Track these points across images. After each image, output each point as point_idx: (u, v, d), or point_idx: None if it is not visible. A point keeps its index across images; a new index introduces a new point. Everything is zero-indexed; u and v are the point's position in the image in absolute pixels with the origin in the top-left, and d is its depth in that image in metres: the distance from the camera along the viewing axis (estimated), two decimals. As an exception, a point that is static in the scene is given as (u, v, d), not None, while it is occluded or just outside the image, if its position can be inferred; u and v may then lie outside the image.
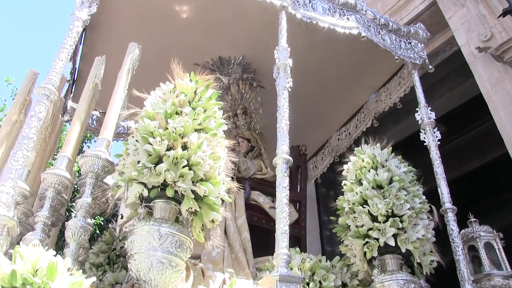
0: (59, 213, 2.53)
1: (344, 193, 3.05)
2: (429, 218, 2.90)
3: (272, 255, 3.14)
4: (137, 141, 2.34)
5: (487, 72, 4.33)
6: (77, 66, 4.11)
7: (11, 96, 8.90)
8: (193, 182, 2.22)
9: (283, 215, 2.57)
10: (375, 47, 3.85)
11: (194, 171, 2.21)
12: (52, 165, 3.34)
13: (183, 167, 2.20)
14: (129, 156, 2.30)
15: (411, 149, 3.85)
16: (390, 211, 2.76)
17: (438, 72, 5.05)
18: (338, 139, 5.00)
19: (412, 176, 3.03)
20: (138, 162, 2.26)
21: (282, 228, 2.54)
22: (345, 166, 3.14)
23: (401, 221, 2.74)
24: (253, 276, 2.99)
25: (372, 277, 2.80)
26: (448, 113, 5.74)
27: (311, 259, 2.94)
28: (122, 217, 4.20)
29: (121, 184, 2.25)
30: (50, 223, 2.37)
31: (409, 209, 2.78)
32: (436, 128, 3.64)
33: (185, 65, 4.31)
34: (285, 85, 3.08)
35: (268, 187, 3.80)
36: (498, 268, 3.26)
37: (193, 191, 2.20)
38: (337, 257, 3.10)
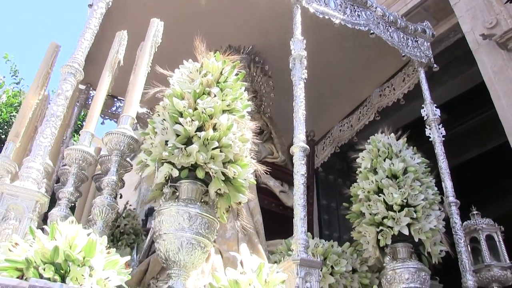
0: (78, 190, 2.49)
1: (357, 180, 3.11)
2: (440, 209, 2.97)
3: (283, 238, 3.20)
4: (164, 119, 2.32)
5: (491, 60, 4.32)
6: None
7: (10, 73, 8.76)
8: (223, 163, 2.21)
9: (301, 202, 2.61)
10: (382, 43, 3.90)
11: (225, 153, 2.20)
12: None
13: (213, 148, 2.19)
14: (157, 135, 2.28)
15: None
16: (405, 201, 2.81)
17: (441, 59, 5.03)
18: (340, 130, 5.03)
19: (425, 168, 3.09)
20: (166, 142, 2.25)
21: (300, 214, 2.57)
22: (360, 154, 3.17)
23: (415, 211, 2.80)
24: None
25: (384, 264, 2.86)
26: (450, 100, 5.75)
27: (323, 244, 2.98)
28: (121, 197, 4.17)
29: (149, 164, 2.23)
30: (74, 199, 2.34)
31: (423, 199, 2.84)
32: (441, 124, 3.69)
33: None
34: (301, 76, 3.12)
35: (278, 171, 3.82)
36: (497, 260, 3.37)
37: (223, 173, 2.20)
38: (347, 243, 3.15)
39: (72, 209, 2.51)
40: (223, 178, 2.20)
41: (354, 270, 3.01)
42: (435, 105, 3.77)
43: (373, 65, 4.42)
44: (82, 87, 4.40)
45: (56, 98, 2.26)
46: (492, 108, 4.29)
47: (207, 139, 2.19)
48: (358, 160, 3.17)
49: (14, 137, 2.39)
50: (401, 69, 4.41)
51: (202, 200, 2.31)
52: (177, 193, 2.31)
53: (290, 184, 4.04)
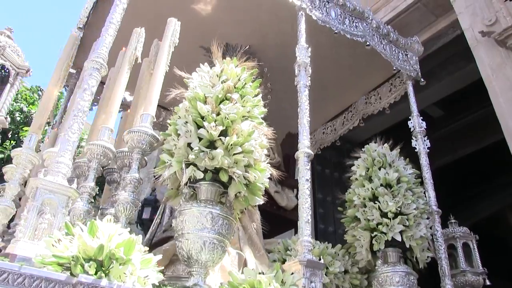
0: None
1: (351, 187, 3.29)
2: (428, 218, 3.19)
3: (275, 236, 3.34)
4: (186, 122, 2.40)
5: (489, 57, 4.31)
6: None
7: None
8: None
9: (306, 206, 2.77)
10: (373, 54, 4.08)
11: (247, 158, 2.32)
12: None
13: (234, 153, 2.30)
14: (180, 137, 2.36)
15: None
16: (398, 209, 3.01)
17: (438, 55, 5.24)
18: (323, 133, 5.20)
19: (416, 178, 3.30)
20: (188, 144, 2.34)
21: (305, 217, 2.74)
22: (355, 162, 3.35)
23: (407, 219, 3.01)
24: (266, 257, 3.16)
25: (376, 267, 3.06)
26: (447, 97, 5.81)
27: (319, 246, 3.14)
28: None
29: (173, 165, 2.31)
30: (94, 194, 2.39)
31: (414, 209, 3.05)
32: (426, 137, 3.91)
33: (191, 46, 4.36)
34: (306, 83, 3.27)
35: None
36: (471, 266, 3.65)
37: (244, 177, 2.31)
38: (339, 245, 3.33)
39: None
40: (245, 182, 2.31)
41: (345, 271, 3.20)
42: (421, 117, 4.00)
43: (361, 73, 4.61)
44: (72, 71, 4.36)
45: (83, 93, 2.29)
46: (489, 105, 4.28)
47: (231, 144, 2.29)
48: (353, 168, 3.35)
49: (37, 129, 2.40)
50: (388, 79, 4.61)
51: (219, 201, 2.42)
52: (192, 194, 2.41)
53: (283, 184, 4.20)
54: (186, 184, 2.36)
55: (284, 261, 3.17)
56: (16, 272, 1.62)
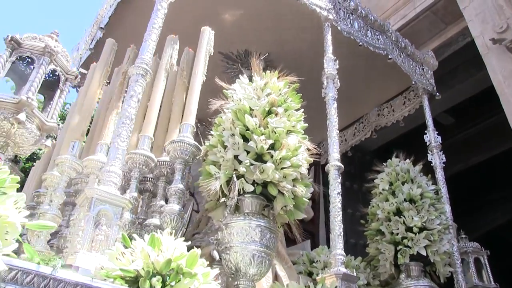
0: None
1: (374, 200, 3.34)
2: (450, 233, 3.26)
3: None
4: (233, 134, 2.40)
5: (500, 65, 4.24)
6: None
7: None
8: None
9: (338, 219, 2.82)
10: (388, 66, 4.13)
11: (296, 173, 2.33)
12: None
13: (283, 167, 2.31)
14: (227, 149, 2.35)
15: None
16: (423, 224, 3.07)
17: (449, 63, 5.21)
18: (333, 143, 5.22)
19: (437, 194, 3.37)
20: (235, 157, 2.33)
21: (337, 230, 2.78)
22: (378, 175, 3.40)
23: (431, 234, 3.07)
24: (292, 269, 3.17)
25: (399, 280, 3.11)
26: (458, 104, 5.80)
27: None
28: None
29: (221, 176, 2.30)
30: (137, 204, 2.36)
31: (438, 224, 3.11)
32: (442, 152, 3.98)
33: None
34: (334, 95, 3.29)
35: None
36: (482, 280, 3.74)
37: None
38: (360, 258, 3.37)
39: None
40: (293, 196, 2.32)
41: (367, 284, 3.23)
42: (437, 132, 4.07)
43: (375, 85, 4.66)
44: (84, 71, 4.29)
45: (130, 100, 2.24)
46: (501, 113, 4.23)
47: (280, 158, 2.30)
48: (376, 181, 3.39)
49: (79, 136, 2.35)
50: (402, 92, 4.67)
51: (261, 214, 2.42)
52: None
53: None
54: (230, 196, 2.35)
55: (309, 273, 3.20)
56: (88, 285, 1.60)
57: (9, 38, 1.95)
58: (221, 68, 4.47)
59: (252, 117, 2.40)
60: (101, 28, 3.80)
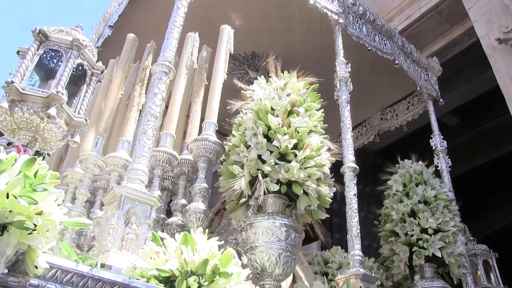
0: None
1: (387, 201, 3.33)
2: (464, 236, 3.27)
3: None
4: (255, 134, 2.37)
5: (506, 65, 4.21)
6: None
7: None
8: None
9: (355, 220, 2.83)
10: (393, 71, 4.16)
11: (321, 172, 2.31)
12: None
13: (306, 167, 2.29)
14: (251, 149, 2.33)
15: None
16: (438, 225, 3.07)
17: (454, 63, 5.23)
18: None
19: (449, 197, 3.38)
20: (259, 156, 2.31)
21: (354, 231, 2.79)
22: (391, 177, 3.40)
23: (446, 236, 3.07)
24: (307, 269, 3.15)
25: (414, 281, 3.11)
26: (462, 105, 5.79)
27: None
28: None
29: (245, 176, 2.27)
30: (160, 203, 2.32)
31: (453, 226, 3.12)
32: (448, 155, 4.00)
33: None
34: (347, 98, 3.29)
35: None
36: (490, 283, 3.75)
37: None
38: (372, 259, 3.37)
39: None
40: (317, 196, 2.30)
41: (381, 285, 3.23)
42: (442, 136, 4.10)
43: (379, 90, 4.67)
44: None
45: (154, 98, 2.22)
46: (506, 113, 4.21)
47: (304, 158, 2.28)
48: (389, 182, 3.39)
49: (103, 132, 2.31)
50: (405, 97, 4.69)
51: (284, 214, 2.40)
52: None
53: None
54: (255, 196, 2.32)
55: (324, 274, 3.18)
56: (126, 285, 1.57)
57: (37, 31, 1.90)
58: (228, 69, 4.45)
59: (274, 116, 2.39)
60: (110, 26, 3.75)
